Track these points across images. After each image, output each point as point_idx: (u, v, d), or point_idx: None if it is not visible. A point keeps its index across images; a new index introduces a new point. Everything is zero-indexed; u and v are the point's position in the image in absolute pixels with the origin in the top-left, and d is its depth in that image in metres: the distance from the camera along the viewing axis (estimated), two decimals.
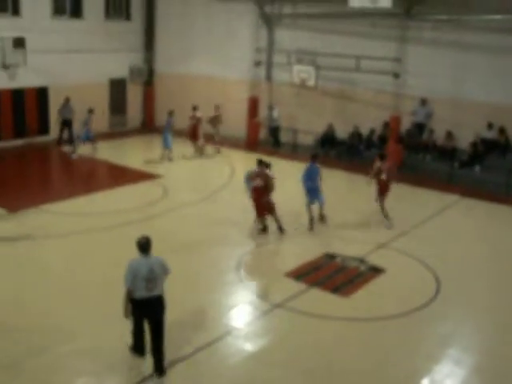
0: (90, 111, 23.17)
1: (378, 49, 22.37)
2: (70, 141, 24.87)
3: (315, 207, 16.18)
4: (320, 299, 12.00)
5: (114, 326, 10.39)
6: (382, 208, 16.51)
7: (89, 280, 12.48)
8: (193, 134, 24.11)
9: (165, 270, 9.35)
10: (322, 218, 16.39)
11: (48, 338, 10.28)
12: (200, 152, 24.03)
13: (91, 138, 23.20)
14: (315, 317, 11.20)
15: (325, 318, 11.19)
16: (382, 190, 16.52)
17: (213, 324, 10.99)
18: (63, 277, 12.73)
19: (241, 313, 11.57)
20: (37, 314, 11.12)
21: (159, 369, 9.30)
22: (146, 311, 9.33)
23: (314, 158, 16.47)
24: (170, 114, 23.53)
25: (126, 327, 9.66)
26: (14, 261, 13.45)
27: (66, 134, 25.49)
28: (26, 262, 13.41)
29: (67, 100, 25.37)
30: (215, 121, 24.93)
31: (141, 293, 9.09)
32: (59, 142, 25.36)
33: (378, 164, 16.50)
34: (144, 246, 9.18)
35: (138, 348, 9.78)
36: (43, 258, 13.82)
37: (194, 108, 24.22)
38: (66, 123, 25.50)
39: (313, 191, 16.10)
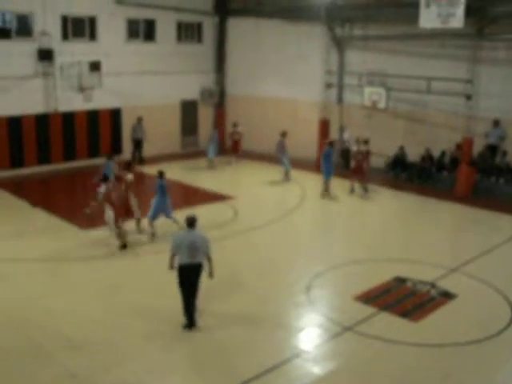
0: None
1: (448, 70, 22.12)
2: (140, 160, 25.48)
3: None
4: (389, 324, 11.83)
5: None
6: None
7: (160, 303, 12.71)
8: (235, 148, 26.56)
9: (207, 246, 11.23)
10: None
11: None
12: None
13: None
14: (385, 341, 11.06)
15: (394, 342, 11.02)
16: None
17: (281, 346, 10.99)
18: (132, 296, 13.00)
19: (310, 335, 11.52)
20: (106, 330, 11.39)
21: (190, 323, 11.34)
22: (186, 274, 11.20)
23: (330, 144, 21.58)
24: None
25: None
26: (89, 278, 13.85)
27: (137, 154, 26.21)
28: (100, 279, 13.78)
29: (139, 120, 26.04)
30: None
31: (184, 260, 11.11)
32: (132, 161, 25.94)
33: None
34: (190, 222, 11.26)
35: (190, 323, 11.38)
36: (117, 275, 14.15)
37: (235, 124, 26.32)
38: (138, 143, 26.14)
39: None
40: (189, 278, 11.26)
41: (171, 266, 11.46)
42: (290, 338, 11.36)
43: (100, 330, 11.45)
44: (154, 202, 16.49)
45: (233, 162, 26.41)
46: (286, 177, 23.48)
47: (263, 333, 11.44)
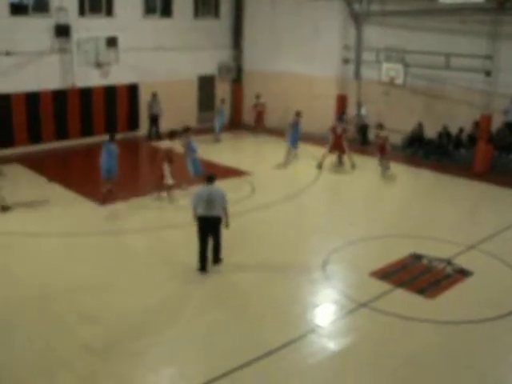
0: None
1: (468, 46, 21.82)
2: (158, 136, 25.56)
3: None
4: (405, 300, 11.86)
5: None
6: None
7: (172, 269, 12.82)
8: (259, 120, 26.57)
9: (223, 199, 12.58)
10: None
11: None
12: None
13: None
14: (400, 318, 11.09)
15: (410, 319, 11.05)
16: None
17: (297, 321, 11.06)
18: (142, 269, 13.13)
19: (325, 311, 11.58)
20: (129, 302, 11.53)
21: (216, 259, 13.05)
22: (206, 225, 12.61)
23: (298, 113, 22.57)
24: (298, 114, 23.18)
25: None
26: (107, 251, 13.99)
27: (154, 130, 26.28)
28: (118, 251, 13.95)
29: (154, 95, 26.08)
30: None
31: (201, 211, 12.44)
32: (149, 137, 26.11)
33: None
34: (209, 178, 12.75)
35: (202, 266, 12.81)
36: (134, 248, 14.29)
37: (258, 96, 26.15)
38: (154, 119, 26.19)
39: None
40: (207, 228, 12.65)
41: (195, 218, 12.67)
42: (305, 313, 11.41)
43: (117, 303, 11.59)
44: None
45: (258, 134, 26.57)
46: (293, 157, 23.06)
47: (279, 308, 11.50)
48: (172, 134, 17.93)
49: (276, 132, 26.45)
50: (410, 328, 10.83)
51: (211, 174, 13.07)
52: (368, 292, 12.09)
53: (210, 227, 12.71)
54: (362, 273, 12.98)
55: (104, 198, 17.52)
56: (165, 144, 17.78)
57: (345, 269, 13.55)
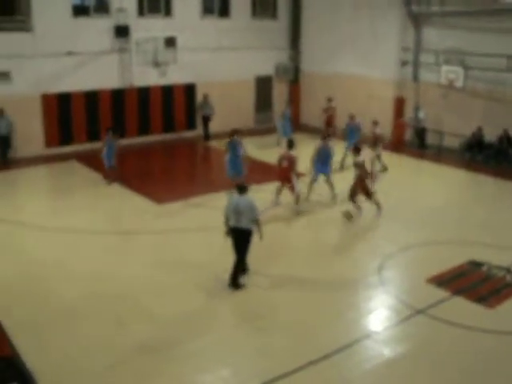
0: None
1: None
2: (207, 137, 25.78)
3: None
4: (463, 308, 11.60)
5: None
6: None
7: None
8: (329, 124, 25.48)
9: (252, 210, 11.81)
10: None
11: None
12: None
13: None
14: (458, 326, 10.85)
15: (468, 328, 10.80)
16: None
17: (352, 326, 10.97)
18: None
19: (380, 317, 11.44)
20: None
21: (234, 282, 12.10)
22: (234, 236, 12.01)
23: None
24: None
25: None
26: (162, 249, 14.12)
27: (204, 131, 26.43)
28: (174, 250, 14.07)
29: (206, 97, 26.24)
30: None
31: (231, 222, 11.90)
32: (205, 137, 26.27)
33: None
34: (240, 187, 12.04)
35: (233, 283, 12.11)
36: (187, 247, 14.38)
37: (329, 99, 25.28)
38: (205, 119, 26.31)
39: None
40: (236, 240, 12.08)
41: (226, 232, 12.21)
42: (360, 318, 11.31)
43: (176, 303, 11.67)
44: None
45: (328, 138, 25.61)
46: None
47: (334, 313, 11.42)
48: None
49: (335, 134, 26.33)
50: (468, 337, 10.59)
51: (242, 183, 12.27)
52: (424, 299, 11.87)
53: (238, 239, 12.03)
54: (419, 279, 12.76)
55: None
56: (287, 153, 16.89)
57: (401, 274, 13.38)
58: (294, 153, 16.81)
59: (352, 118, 22.50)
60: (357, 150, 16.57)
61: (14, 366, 8.74)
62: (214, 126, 26.41)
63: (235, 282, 12.16)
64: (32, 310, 11.40)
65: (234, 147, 17.96)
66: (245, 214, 11.80)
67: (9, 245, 14.68)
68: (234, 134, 18.12)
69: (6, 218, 16.35)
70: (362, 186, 16.37)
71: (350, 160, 19.73)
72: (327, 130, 24.84)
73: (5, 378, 8.22)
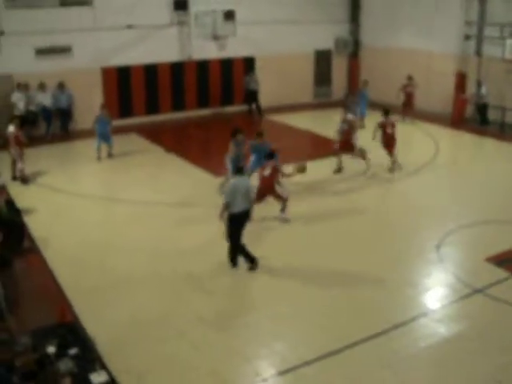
0: None
1: None
2: (259, 110, 25.67)
3: None
4: None
5: None
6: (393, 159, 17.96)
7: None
8: (408, 103, 24.66)
9: (253, 191, 12.07)
10: None
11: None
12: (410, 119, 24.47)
13: None
14: None
15: None
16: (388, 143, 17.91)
17: (409, 303, 10.88)
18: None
19: (438, 295, 11.30)
20: None
21: (234, 260, 11.87)
22: (242, 220, 11.52)
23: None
24: (365, 83, 24.29)
25: None
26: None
27: (254, 105, 26.32)
28: None
29: (251, 71, 26.15)
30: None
31: (240, 206, 11.39)
32: (249, 112, 26.20)
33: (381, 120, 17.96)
34: (240, 169, 11.88)
35: (252, 260, 11.80)
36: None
37: (410, 78, 24.58)
38: (252, 94, 26.20)
39: None
40: (243, 223, 11.67)
41: (222, 216, 11.68)
42: (417, 296, 11.20)
43: (230, 276, 11.80)
44: None
45: (406, 119, 24.50)
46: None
47: (391, 289, 11.33)
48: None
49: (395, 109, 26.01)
50: None
51: (241, 164, 12.25)
52: (483, 278, 11.66)
53: (245, 220, 11.69)
54: (478, 257, 12.52)
55: None
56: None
57: (459, 252, 13.18)
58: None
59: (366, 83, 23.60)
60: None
61: (75, 332, 8.99)
62: (272, 101, 26.36)
63: (236, 262, 11.97)
64: (93, 278, 11.68)
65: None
66: (250, 195, 11.74)
67: (70, 216, 15.02)
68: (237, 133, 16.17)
69: (67, 189, 16.72)
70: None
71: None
72: (405, 110, 24.46)
73: (67, 343, 8.49)
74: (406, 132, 22.55)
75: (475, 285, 11.38)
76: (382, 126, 18.01)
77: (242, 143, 15.96)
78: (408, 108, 24.70)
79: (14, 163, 17.34)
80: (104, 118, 19.70)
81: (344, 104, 22.59)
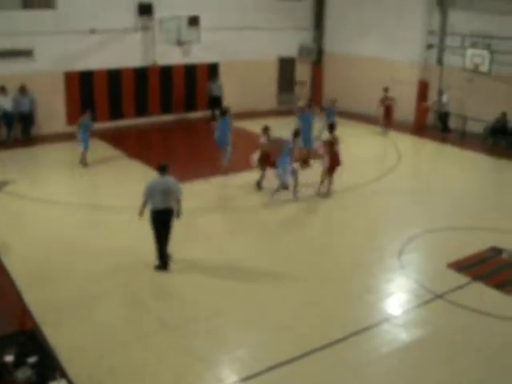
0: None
1: None
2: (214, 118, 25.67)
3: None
4: (483, 294, 11.52)
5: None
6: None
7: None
8: (388, 115, 24.26)
9: (177, 190, 11.92)
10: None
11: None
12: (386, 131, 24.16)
13: None
14: (477, 313, 10.78)
15: (487, 315, 10.71)
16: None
17: (371, 309, 10.95)
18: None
19: (400, 300, 11.39)
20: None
21: (163, 264, 12.08)
22: (161, 218, 11.84)
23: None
24: (333, 101, 23.19)
25: None
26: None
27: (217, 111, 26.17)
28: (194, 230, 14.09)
29: (215, 78, 26.15)
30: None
31: (157, 204, 11.72)
32: (212, 118, 26.09)
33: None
34: (162, 168, 11.89)
35: (164, 263, 12.10)
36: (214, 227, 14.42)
37: (386, 89, 24.21)
38: (215, 100, 26.17)
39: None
40: (162, 221, 11.93)
41: (141, 213, 11.98)
42: (379, 301, 11.29)
43: (193, 280, 11.76)
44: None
45: (386, 132, 24.23)
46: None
47: (353, 295, 11.42)
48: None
49: (353, 116, 26.27)
50: (487, 324, 10.52)
51: (164, 163, 12.03)
52: (444, 283, 11.82)
53: (164, 220, 11.97)
54: (439, 263, 12.68)
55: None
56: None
57: (421, 258, 13.33)
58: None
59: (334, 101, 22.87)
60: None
61: (35, 339, 8.86)
62: (237, 106, 26.31)
63: (167, 256, 12.26)
64: (54, 286, 11.50)
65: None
66: (172, 194, 11.90)
67: (31, 222, 14.79)
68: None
69: (28, 195, 16.47)
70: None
71: None
72: (385, 122, 24.21)
73: (27, 350, 8.35)
74: (370, 140, 22.83)
75: (436, 290, 11.52)
76: (330, 144, 16.67)
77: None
78: (388, 120, 24.38)
79: None
80: (89, 123, 19.48)
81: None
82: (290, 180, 16.53)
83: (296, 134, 16.88)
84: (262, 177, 17.05)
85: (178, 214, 12.12)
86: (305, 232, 14.52)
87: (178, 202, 12.07)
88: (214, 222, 15.09)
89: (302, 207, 16.13)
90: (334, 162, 16.57)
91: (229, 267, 12.44)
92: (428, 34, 25.17)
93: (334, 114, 22.58)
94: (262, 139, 17.00)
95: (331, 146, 16.58)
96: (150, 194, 11.83)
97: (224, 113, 18.91)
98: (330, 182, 16.80)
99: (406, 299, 11.40)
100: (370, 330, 10.22)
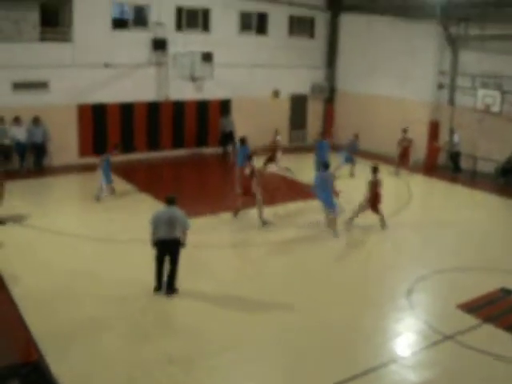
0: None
1: None
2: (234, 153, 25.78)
3: None
4: (494, 336, 11.37)
5: None
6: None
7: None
8: (403, 157, 24.08)
9: (183, 222, 12.23)
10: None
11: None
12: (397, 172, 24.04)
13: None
14: (488, 355, 10.62)
15: (497, 357, 10.56)
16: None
17: (379, 349, 10.82)
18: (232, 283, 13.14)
19: (408, 341, 11.26)
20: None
21: (170, 288, 12.41)
22: (166, 248, 12.23)
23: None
24: (356, 136, 23.69)
25: None
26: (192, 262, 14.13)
27: (229, 147, 26.37)
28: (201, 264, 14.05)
29: (227, 114, 26.34)
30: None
31: (161, 234, 12.09)
32: (225, 154, 26.24)
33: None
34: (170, 200, 12.34)
35: (157, 285, 12.44)
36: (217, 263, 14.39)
37: (405, 130, 24.06)
38: (227, 136, 26.30)
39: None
40: (165, 250, 12.30)
41: (152, 243, 12.35)
42: (387, 342, 11.17)
43: (199, 315, 11.68)
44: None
45: (399, 172, 23.99)
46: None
47: (361, 335, 11.29)
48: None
49: (365, 154, 26.29)
50: (497, 366, 10.36)
51: (171, 196, 12.50)
52: (454, 324, 11.68)
53: (169, 250, 12.34)
54: (449, 304, 12.55)
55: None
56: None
57: (430, 299, 13.21)
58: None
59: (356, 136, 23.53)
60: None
61: (39, 371, 8.81)
62: (249, 142, 26.36)
63: (173, 288, 12.51)
64: (60, 317, 11.46)
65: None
66: (178, 224, 12.19)
67: (40, 253, 14.81)
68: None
69: (39, 226, 16.52)
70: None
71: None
72: (400, 163, 24.01)
73: (31, 382, 8.31)
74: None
75: (446, 331, 11.37)
76: (373, 185, 17.03)
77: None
78: (404, 161, 24.11)
79: None
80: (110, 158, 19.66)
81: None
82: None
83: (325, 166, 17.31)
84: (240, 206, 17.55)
85: (183, 245, 12.40)
86: (314, 267, 14.46)
87: (184, 234, 12.36)
88: (223, 257, 15.05)
89: (310, 242, 16.07)
90: (374, 201, 17.04)
91: (236, 301, 12.39)
92: (439, 73, 25.31)
93: (355, 150, 22.85)
94: (247, 170, 17.27)
95: (375, 187, 16.88)
96: (155, 223, 12.21)
97: (243, 142, 20.34)
98: (380, 218, 17.21)
99: (415, 340, 11.27)
100: (379, 370, 10.08)
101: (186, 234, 12.38)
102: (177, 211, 12.32)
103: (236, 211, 17.69)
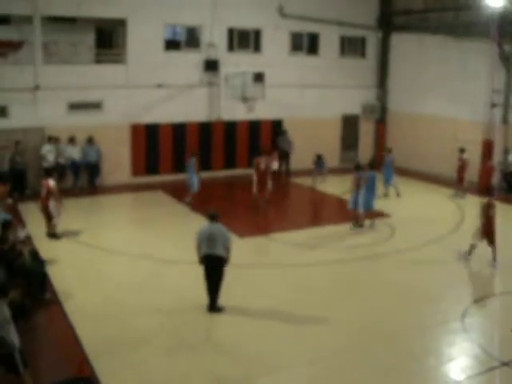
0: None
1: None
2: (287, 172, 25.75)
3: None
4: None
5: None
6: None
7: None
8: (459, 177, 23.86)
9: (225, 238, 12.29)
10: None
11: None
12: (461, 194, 23.68)
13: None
14: None
15: None
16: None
17: (432, 374, 10.63)
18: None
19: (462, 365, 11.00)
20: None
21: (212, 306, 12.47)
22: (208, 264, 12.32)
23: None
24: (389, 150, 23.82)
25: None
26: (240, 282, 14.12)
27: (283, 166, 26.34)
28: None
29: (284, 132, 26.35)
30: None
31: (204, 250, 12.24)
32: (277, 173, 26.18)
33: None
34: (212, 216, 12.51)
35: (212, 307, 12.50)
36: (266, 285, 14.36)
37: (461, 150, 23.74)
38: (283, 155, 26.28)
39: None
40: (209, 267, 12.41)
41: (199, 259, 12.52)
42: (441, 366, 10.94)
43: (251, 336, 11.66)
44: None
45: (455, 193, 23.85)
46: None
47: (414, 357, 11.10)
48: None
49: (417, 175, 26.01)
50: None
51: (213, 212, 12.65)
52: (510, 350, 11.37)
53: (212, 266, 12.42)
54: (505, 328, 12.23)
55: None
56: None
57: (486, 322, 12.90)
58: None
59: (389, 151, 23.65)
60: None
61: None
62: (300, 163, 26.42)
63: (216, 306, 12.57)
64: (112, 335, 11.60)
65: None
66: (218, 241, 12.26)
67: (94, 270, 15.06)
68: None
69: (93, 243, 16.81)
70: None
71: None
72: (458, 184, 23.84)
73: None
74: (435, 199, 22.54)
75: (502, 357, 11.06)
76: (487, 208, 16.15)
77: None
78: (458, 181, 23.83)
79: (49, 219, 17.16)
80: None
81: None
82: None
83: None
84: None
85: (226, 262, 12.46)
86: (365, 291, 14.28)
87: (227, 249, 12.40)
88: (272, 278, 14.98)
89: (358, 266, 15.93)
90: (487, 227, 16.10)
91: (286, 321, 12.33)
92: (492, 92, 24.93)
93: (391, 165, 22.66)
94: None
95: (488, 209, 16.21)
96: (198, 240, 12.40)
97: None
98: (493, 250, 16.06)
99: (469, 365, 11.02)
100: None
101: (228, 251, 12.41)
102: (218, 227, 12.43)
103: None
